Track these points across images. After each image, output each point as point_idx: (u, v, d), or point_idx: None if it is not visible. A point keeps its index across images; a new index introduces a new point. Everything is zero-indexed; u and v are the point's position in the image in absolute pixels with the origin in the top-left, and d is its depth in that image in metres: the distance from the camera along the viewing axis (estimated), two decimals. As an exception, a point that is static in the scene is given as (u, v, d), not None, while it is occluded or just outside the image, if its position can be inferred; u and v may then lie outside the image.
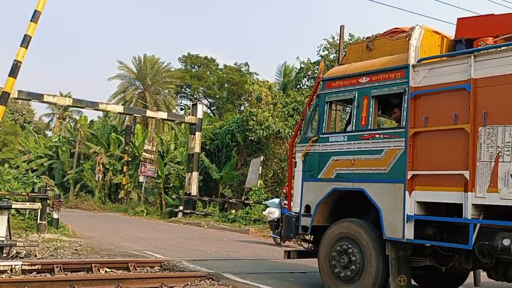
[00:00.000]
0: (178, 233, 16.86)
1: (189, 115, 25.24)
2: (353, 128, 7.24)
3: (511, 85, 5.61)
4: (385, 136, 6.82)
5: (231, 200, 22.80)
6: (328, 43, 33.82)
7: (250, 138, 23.20)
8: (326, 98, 7.57)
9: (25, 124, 56.49)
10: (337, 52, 27.30)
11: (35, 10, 13.54)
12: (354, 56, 7.73)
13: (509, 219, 5.53)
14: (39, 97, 23.67)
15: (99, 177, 33.12)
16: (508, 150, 5.58)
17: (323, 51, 33.96)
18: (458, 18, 7.31)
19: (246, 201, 21.42)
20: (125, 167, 31.36)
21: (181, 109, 43.45)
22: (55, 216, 14.29)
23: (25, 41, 13.42)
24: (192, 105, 27.46)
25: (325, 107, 7.54)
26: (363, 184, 6.87)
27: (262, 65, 77.94)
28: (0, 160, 39.76)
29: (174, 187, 26.55)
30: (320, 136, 7.53)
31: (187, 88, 45.10)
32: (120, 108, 28.77)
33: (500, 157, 5.62)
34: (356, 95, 7.16)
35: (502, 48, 5.99)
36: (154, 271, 8.68)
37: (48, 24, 79.26)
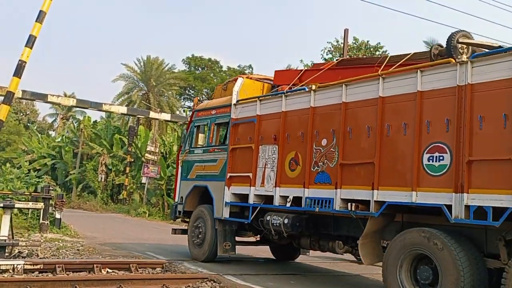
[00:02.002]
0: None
1: (192, 116, 25.23)
2: (205, 144, 10.58)
3: (273, 120, 8.68)
4: (219, 150, 10.04)
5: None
6: (332, 46, 33.90)
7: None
8: (195, 123, 10.93)
9: (28, 124, 56.66)
10: (341, 55, 27.38)
11: (40, 11, 13.64)
12: (217, 94, 11.23)
13: (271, 203, 8.44)
14: (43, 97, 23.77)
15: (101, 177, 33.17)
16: (270, 161, 8.65)
17: (327, 54, 34.08)
18: (275, 70, 10.49)
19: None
20: (127, 168, 31.39)
21: (184, 110, 43.49)
22: (57, 216, 14.33)
23: (30, 41, 13.50)
24: (196, 106, 27.41)
25: (194, 130, 10.90)
26: (207, 182, 10.16)
27: (265, 67, 77.88)
28: (3, 160, 39.87)
29: (176, 189, 26.49)
30: (190, 149, 10.90)
31: (190, 90, 45.13)
32: (123, 109, 28.82)
33: (266, 165, 8.69)
34: (209, 122, 10.48)
35: (272, 96, 9.20)
36: (156, 272, 8.68)
37: (53, 24, 79.57)
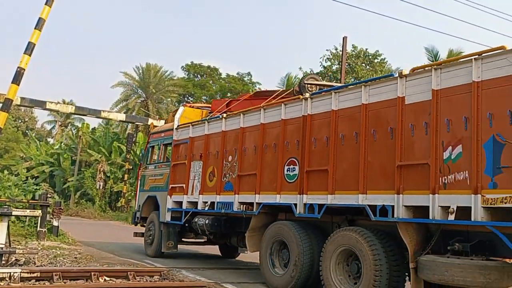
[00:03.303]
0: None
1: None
2: (157, 160, 12.70)
3: (200, 141, 10.73)
4: (165, 166, 12.08)
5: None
6: (331, 54, 34.03)
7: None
8: (150, 144, 13.20)
9: (27, 131, 56.63)
10: (340, 63, 27.45)
11: (40, 18, 13.64)
12: (169, 119, 13.32)
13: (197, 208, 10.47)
14: (41, 104, 23.81)
15: (99, 185, 33.12)
16: (197, 174, 10.66)
17: (325, 61, 34.22)
18: (212, 100, 13.43)
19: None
20: (126, 175, 31.33)
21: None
22: (55, 223, 14.28)
23: (29, 49, 13.50)
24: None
25: (150, 149, 13.18)
26: (156, 193, 12.21)
27: (265, 74, 77.96)
28: (1, 167, 39.78)
29: (175, 196, 26.44)
30: (146, 165, 13.16)
31: (189, 97, 45.19)
32: (122, 116, 28.84)
33: (195, 177, 10.69)
34: (159, 143, 12.68)
35: (199, 122, 11.17)
36: (154, 280, 8.64)
37: (52, 31, 79.61)
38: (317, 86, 9.75)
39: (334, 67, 33.87)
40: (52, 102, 24.50)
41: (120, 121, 30.57)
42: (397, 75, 6.71)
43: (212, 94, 42.93)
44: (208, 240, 11.94)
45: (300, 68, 47.89)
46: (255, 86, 41.26)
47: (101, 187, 33.26)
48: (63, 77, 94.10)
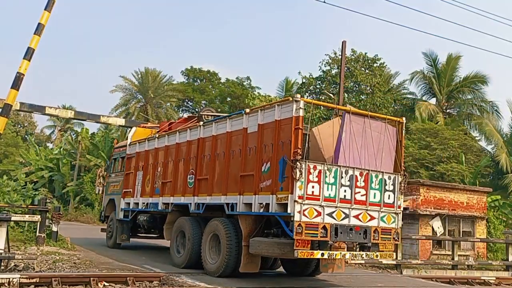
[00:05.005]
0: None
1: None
2: (116, 170, 16.29)
3: (142, 155, 13.88)
4: (120, 175, 15.53)
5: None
6: (330, 58, 34.13)
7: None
8: (113, 157, 17.05)
9: (26, 136, 56.93)
10: (339, 67, 27.49)
11: (39, 23, 13.87)
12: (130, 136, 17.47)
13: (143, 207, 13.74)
14: (41, 109, 23.92)
15: (99, 189, 32.98)
16: (140, 181, 13.76)
17: (325, 66, 34.39)
18: (160, 122, 17.43)
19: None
20: (125, 180, 31.24)
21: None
22: (54, 229, 14.45)
23: (28, 54, 13.72)
24: (194, 118, 27.33)
25: (113, 161, 16.94)
26: (114, 196, 15.77)
27: (264, 79, 78.07)
28: (1, 172, 39.75)
29: (174, 201, 26.42)
30: (109, 174, 16.92)
31: (189, 102, 45.31)
32: (121, 121, 28.96)
33: (138, 183, 13.97)
34: (119, 156, 16.36)
35: (142, 140, 14.38)
36: (153, 285, 8.69)
37: (51, 35, 79.63)
38: (211, 116, 13.21)
39: (333, 71, 34.20)
40: (51, 107, 24.59)
41: (120, 125, 30.59)
42: (244, 113, 9.77)
43: (211, 99, 43.14)
44: (159, 235, 14.81)
45: (299, 72, 48.08)
46: (255, 90, 41.47)
47: (100, 192, 33.13)
48: (62, 82, 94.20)
